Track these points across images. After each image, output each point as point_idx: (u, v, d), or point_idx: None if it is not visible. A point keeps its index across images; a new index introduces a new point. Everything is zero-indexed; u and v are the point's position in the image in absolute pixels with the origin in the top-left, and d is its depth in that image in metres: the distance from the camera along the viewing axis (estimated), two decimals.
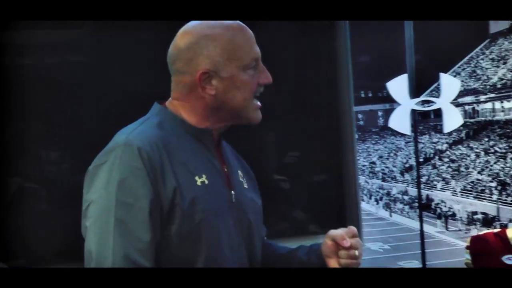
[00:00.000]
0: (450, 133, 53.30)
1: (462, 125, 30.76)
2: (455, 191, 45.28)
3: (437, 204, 41.93)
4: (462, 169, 50.84)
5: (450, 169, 52.13)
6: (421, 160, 50.54)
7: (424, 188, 44.25)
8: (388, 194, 49.11)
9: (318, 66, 4.13)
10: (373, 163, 65.91)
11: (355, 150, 4.20)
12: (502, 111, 60.27)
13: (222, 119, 1.95)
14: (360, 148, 69.91)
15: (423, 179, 47.19)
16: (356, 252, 1.93)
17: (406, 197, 45.73)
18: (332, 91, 4.14)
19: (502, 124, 57.54)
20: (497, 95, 61.33)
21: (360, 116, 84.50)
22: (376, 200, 47.34)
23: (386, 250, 30.30)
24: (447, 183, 48.41)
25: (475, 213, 38.57)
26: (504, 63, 65.34)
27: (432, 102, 15.44)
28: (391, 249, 30.28)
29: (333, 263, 1.95)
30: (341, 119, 4.15)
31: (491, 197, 41.47)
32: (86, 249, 1.73)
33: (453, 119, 14.59)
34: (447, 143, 59.48)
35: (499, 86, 62.48)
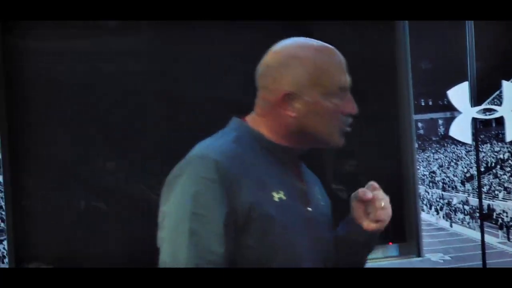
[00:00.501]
0: None
1: None
2: None
3: (499, 214, 41.23)
4: None
5: None
6: (482, 169, 49.78)
7: (486, 198, 43.54)
8: (449, 204, 48.50)
9: (377, 72, 4.07)
10: (433, 172, 65.20)
11: (415, 159, 4.13)
12: None
13: (301, 142, 1.92)
14: (420, 157, 69.27)
15: (485, 189, 46.47)
16: (382, 203, 1.94)
17: (467, 207, 45.11)
18: (392, 99, 4.08)
19: None
20: None
21: (420, 124, 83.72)
22: (437, 210, 46.82)
23: (447, 261, 29.92)
24: (509, 192, 47.56)
25: None
26: None
27: (494, 110, 15.24)
28: (452, 260, 29.89)
29: (366, 224, 1.96)
30: (400, 128, 4.08)
31: None
32: (161, 259, 1.74)
33: None
34: (509, 152, 58.48)
35: None
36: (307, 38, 1.94)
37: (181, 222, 1.72)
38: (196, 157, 1.79)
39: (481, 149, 52.44)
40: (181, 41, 3.69)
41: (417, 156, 4.38)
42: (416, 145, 4.38)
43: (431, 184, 59.62)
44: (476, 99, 14.11)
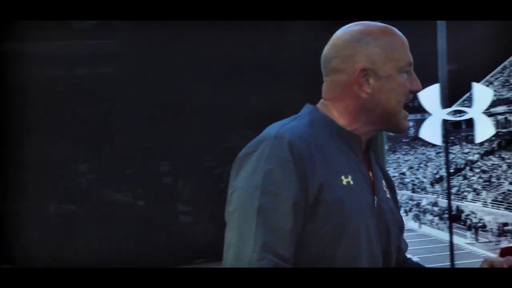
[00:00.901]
0: (481, 144, 52.91)
1: (494, 135, 30.53)
2: (486, 202, 44.91)
3: (468, 215, 41.63)
4: (493, 179, 50.41)
5: (481, 180, 51.71)
6: (451, 171, 50.26)
7: (455, 199, 43.93)
8: (418, 205, 48.84)
9: None
10: (403, 174, 65.62)
11: (385, 161, 4.13)
12: None
13: (372, 121, 1.94)
14: (390, 159, 69.68)
15: (454, 190, 46.88)
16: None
17: (436, 209, 45.47)
18: None
19: None
20: None
21: None
22: (406, 212, 47.11)
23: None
24: (478, 194, 48.01)
25: (505, 224, 38.28)
26: None
27: (464, 112, 15.43)
28: (420, 261, 29.77)
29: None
30: None
31: None
32: (227, 234, 1.75)
33: (485, 129, 14.54)
34: (478, 153, 59.03)
35: None
36: (365, 21, 1.96)
37: (250, 198, 1.73)
38: (271, 136, 1.80)
39: (451, 151, 52.96)
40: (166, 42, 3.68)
41: (387, 158, 4.39)
42: (387, 147, 4.40)
43: (400, 186, 60.01)
44: (446, 101, 14.23)
